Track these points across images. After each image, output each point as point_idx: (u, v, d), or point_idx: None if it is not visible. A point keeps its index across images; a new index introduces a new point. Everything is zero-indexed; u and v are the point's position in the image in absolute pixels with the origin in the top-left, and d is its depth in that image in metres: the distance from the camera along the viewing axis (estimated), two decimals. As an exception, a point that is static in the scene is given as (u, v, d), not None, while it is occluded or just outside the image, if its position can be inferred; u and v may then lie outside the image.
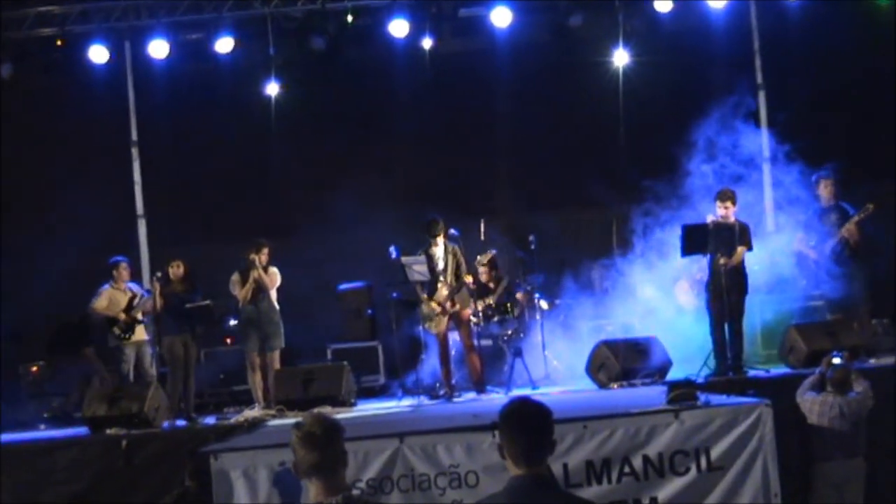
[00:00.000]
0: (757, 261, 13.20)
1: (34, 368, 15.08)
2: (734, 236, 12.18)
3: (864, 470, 10.06)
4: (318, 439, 4.66)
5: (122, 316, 13.34)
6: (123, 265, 13.75)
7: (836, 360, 10.17)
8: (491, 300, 13.97)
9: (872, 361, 11.97)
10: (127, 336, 13.36)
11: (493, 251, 14.23)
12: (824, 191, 13.20)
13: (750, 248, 12.38)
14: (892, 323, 13.45)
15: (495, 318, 13.96)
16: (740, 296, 12.29)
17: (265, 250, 13.08)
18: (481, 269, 14.07)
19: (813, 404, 10.04)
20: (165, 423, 11.89)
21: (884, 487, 10.25)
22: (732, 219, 12.22)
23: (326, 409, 11.97)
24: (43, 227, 15.62)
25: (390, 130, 16.46)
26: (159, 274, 13.26)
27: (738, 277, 12.24)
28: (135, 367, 13.42)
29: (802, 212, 13.49)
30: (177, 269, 13.26)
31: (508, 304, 13.91)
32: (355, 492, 4.92)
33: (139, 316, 13.37)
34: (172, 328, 13.12)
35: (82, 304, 13.73)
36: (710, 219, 12.24)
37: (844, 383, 10.07)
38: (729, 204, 12.24)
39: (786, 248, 13.59)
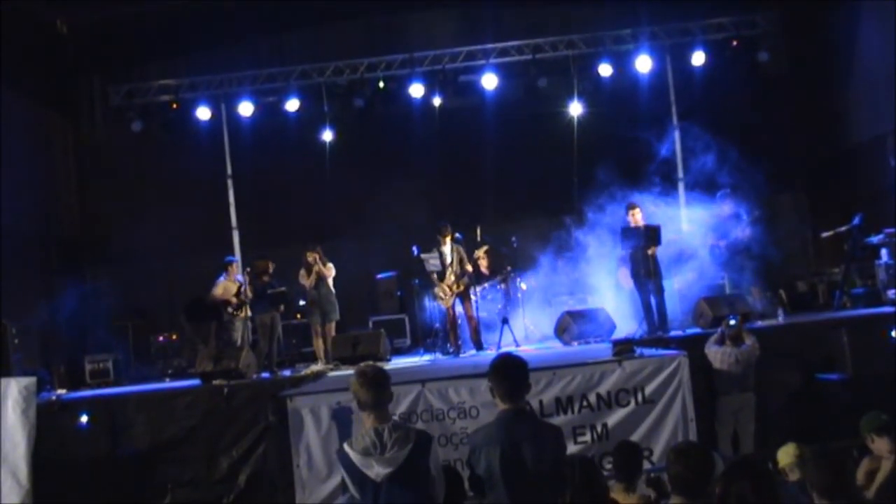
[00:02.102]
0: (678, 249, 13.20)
1: (160, 338, 15.08)
2: (657, 234, 12.14)
3: (753, 400, 10.03)
4: (372, 383, 4.65)
5: (234, 300, 13.29)
6: (235, 263, 13.75)
7: (732, 322, 10.14)
8: (486, 284, 13.96)
9: (760, 323, 11.91)
10: (238, 313, 13.33)
11: (486, 246, 14.15)
12: (724, 207, 13.19)
13: (660, 244, 12.30)
14: (773, 295, 13.38)
15: (489, 297, 13.94)
16: (659, 278, 12.21)
17: (318, 250, 13.09)
18: (481, 261, 13.99)
19: (717, 354, 10.02)
20: (254, 376, 11.86)
21: (767, 413, 10.20)
22: (642, 223, 12.14)
23: (369, 364, 11.97)
24: (162, 237, 15.63)
25: (411, 164, 16.38)
26: (248, 269, 13.25)
27: (656, 265, 12.18)
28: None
29: (708, 216, 13.44)
30: (261, 265, 13.24)
31: (500, 284, 13.92)
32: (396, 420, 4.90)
33: (244, 299, 13.32)
34: (261, 307, 13.10)
35: (192, 292, 13.72)
36: (640, 223, 12.18)
37: (738, 338, 10.05)
38: (635, 212, 12.16)
39: (698, 243, 13.53)
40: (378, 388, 4.64)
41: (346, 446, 4.63)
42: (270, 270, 13.18)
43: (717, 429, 9.98)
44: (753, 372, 10.02)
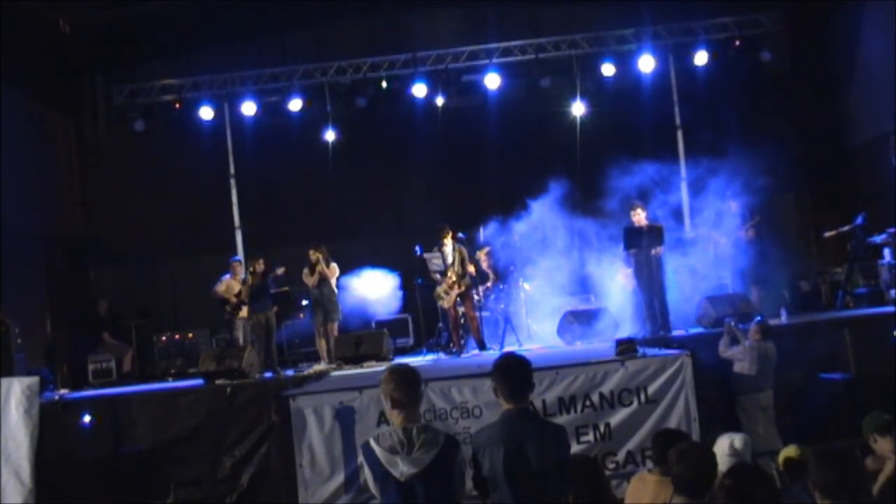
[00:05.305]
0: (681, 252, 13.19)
1: (163, 338, 15.08)
2: (660, 234, 12.12)
3: (771, 399, 9.89)
4: (402, 382, 4.61)
5: (233, 299, 13.30)
6: (240, 263, 13.82)
7: (731, 322, 10.12)
8: (489, 283, 13.95)
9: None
10: (234, 312, 13.33)
11: (489, 246, 14.14)
12: (732, 205, 13.16)
13: (663, 243, 12.27)
14: (777, 295, 13.35)
15: (492, 296, 13.94)
16: (662, 277, 12.17)
17: (322, 249, 13.07)
18: (482, 260, 13.99)
19: (744, 353, 9.77)
20: (257, 375, 11.86)
21: (784, 410, 10.13)
22: (645, 222, 12.09)
23: (372, 364, 11.99)
24: (165, 236, 15.65)
25: (413, 164, 16.42)
26: (251, 269, 13.25)
27: (659, 264, 12.16)
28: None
29: (712, 215, 13.42)
30: (259, 266, 13.22)
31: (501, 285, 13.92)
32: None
33: (244, 298, 13.30)
34: (259, 307, 13.10)
35: (195, 291, 13.74)
36: (643, 222, 12.16)
37: (768, 331, 9.97)
38: (638, 212, 12.09)
39: (701, 244, 13.50)
40: (408, 386, 4.59)
41: (371, 442, 4.55)
42: (264, 269, 13.17)
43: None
44: (772, 371, 9.91)
